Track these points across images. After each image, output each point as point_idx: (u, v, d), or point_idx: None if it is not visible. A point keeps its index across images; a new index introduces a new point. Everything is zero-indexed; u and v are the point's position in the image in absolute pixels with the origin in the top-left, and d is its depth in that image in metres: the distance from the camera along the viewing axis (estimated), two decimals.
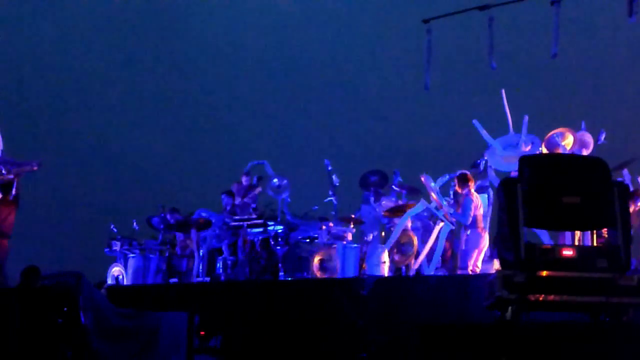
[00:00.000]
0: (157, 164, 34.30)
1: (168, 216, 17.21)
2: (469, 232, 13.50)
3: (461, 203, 13.66)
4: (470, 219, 13.46)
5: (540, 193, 7.65)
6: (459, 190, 13.79)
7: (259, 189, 17.10)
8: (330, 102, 33.90)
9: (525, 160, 7.90)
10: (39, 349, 10.33)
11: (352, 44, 34.40)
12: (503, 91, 14.41)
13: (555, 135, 13.77)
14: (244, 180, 17.20)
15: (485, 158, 14.75)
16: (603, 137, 14.13)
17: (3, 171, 13.55)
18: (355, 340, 11.81)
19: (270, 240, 15.46)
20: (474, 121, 14.44)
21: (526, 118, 14.04)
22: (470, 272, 13.09)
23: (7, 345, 10.32)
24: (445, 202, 13.90)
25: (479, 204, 13.69)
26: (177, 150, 35.38)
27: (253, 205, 16.83)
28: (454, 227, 13.91)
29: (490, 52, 12.31)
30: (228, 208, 16.90)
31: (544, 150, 13.66)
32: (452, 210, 13.70)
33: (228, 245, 16.40)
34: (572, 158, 9.89)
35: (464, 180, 13.70)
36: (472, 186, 13.72)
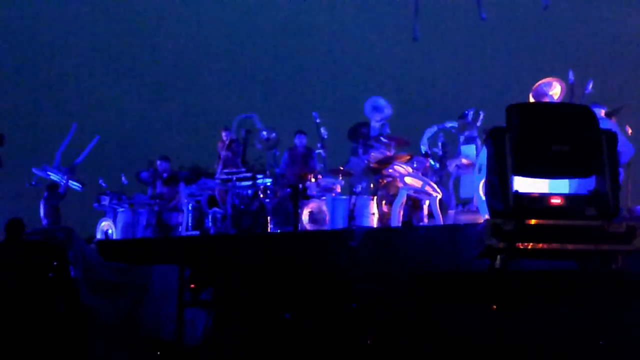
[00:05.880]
0: (144, 120, 34.19)
1: (158, 163, 17.23)
2: None
3: None
4: None
5: (529, 141, 7.66)
6: None
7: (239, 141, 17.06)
8: (316, 55, 33.76)
9: (514, 109, 7.89)
10: (30, 303, 10.36)
11: None
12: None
13: (543, 84, 13.76)
14: (223, 135, 17.10)
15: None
16: (590, 86, 14.12)
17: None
18: (345, 291, 11.85)
19: (259, 193, 15.47)
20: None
21: None
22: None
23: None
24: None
25: None
26: (165, 106, 35.25)
27: (237, 159, 16.76)
28: (440, 196, 14.01)
29: (480, 2, 12.23)
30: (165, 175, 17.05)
31: (531, 100, 13.66)
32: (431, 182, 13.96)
33: (217, 199, 16.43)
34: (561, 106, 9.92)
35: None
36: None
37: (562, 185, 8.27)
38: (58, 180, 17.08)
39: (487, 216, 8.47)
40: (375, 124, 15.74)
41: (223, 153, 16.81)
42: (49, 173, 17.23)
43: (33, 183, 17.28)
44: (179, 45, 36.05)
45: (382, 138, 15.63)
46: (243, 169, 16.32)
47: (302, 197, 14.75)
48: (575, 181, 8.21)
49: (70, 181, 17.09)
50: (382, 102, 15.93)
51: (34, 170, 17.32)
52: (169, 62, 36.13)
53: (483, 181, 12.69)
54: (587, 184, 7.99)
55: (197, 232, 15.93)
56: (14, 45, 34.69)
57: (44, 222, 16.62)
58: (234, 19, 35.49)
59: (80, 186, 17.53)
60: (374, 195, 14.69)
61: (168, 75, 35.93)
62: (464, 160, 14.45)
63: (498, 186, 7.61)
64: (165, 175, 17.08)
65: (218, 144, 17.17)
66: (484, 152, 13.21)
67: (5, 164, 13.64)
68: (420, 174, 14.27)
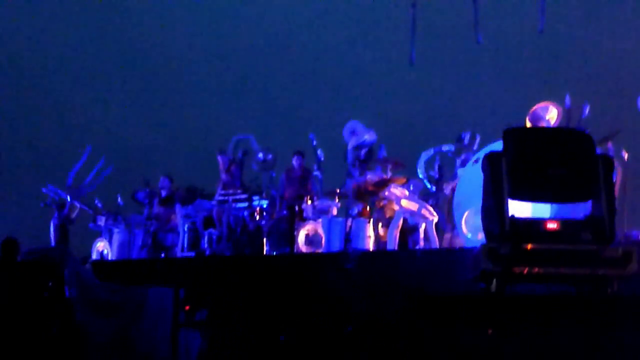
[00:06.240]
0: (140, 140, 34.16)
1: (160, 179, 17.24)
2: None
3: None
4: None
5: (526, 165, 7.67)
6: None
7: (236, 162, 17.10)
8: (313, 77, 33.80)
9: (510, 134, 7.90)
10: (25, 323, 10.33)
11: (336, 18, 34.27)
12: None
13: (539, 109, 13.82)
14: (219, 159, 17.12)
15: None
16: (587, 110, 14.15)
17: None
18: (341, 314, 11.83)
19: (255, 215, 15.46)
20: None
21: None
22: None
23: None
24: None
25: None
26: (160, 126, 35.19)
27: (237, 182, 16.77)
28: (436, 219, 14.07)
29: (476, 26, 12.29)
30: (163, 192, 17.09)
31: (528, 124, 13.69)
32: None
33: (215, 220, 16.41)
34: (557, 131, 9.93)
35: None
36: None
37: (544, 209, 8.27)
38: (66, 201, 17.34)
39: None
40: (351, 148, 15.75)
41: (223, 176, 16.81)
42: (57, 193, 17.57)
43: (48, 203, 17.48)
44: (175, 65, 36.06)
45: (379, 158, 15.67)
46: (240, 191, 16.34)
47: (299, 218, 14.77)
48: (556, 205, 8.22)
49: (74, 202, 17.40)
50: (359, 126, 15.93)
51: (43, 190, 17.68)
52: (164, 83, 36.14)
53: (465, 215, 12.81)
54: (572, 208, 8.01)
55: (193, 254, 15.92)
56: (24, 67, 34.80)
57: (53, 241, 17.07)
58: (230, 41, 35.53)
59: (89, 209, 17.73)
60: (370, 218, 14.71)
61: (164, 96, 35.93)
62: None
63: (494, 210, 7.61)
64: (163, 192, 17.06)
65: (219, 167, 17.20)
66: (461, 187, 13.31)
67: (18, 183, 13.73)
68: (416, 196, 14.29)
